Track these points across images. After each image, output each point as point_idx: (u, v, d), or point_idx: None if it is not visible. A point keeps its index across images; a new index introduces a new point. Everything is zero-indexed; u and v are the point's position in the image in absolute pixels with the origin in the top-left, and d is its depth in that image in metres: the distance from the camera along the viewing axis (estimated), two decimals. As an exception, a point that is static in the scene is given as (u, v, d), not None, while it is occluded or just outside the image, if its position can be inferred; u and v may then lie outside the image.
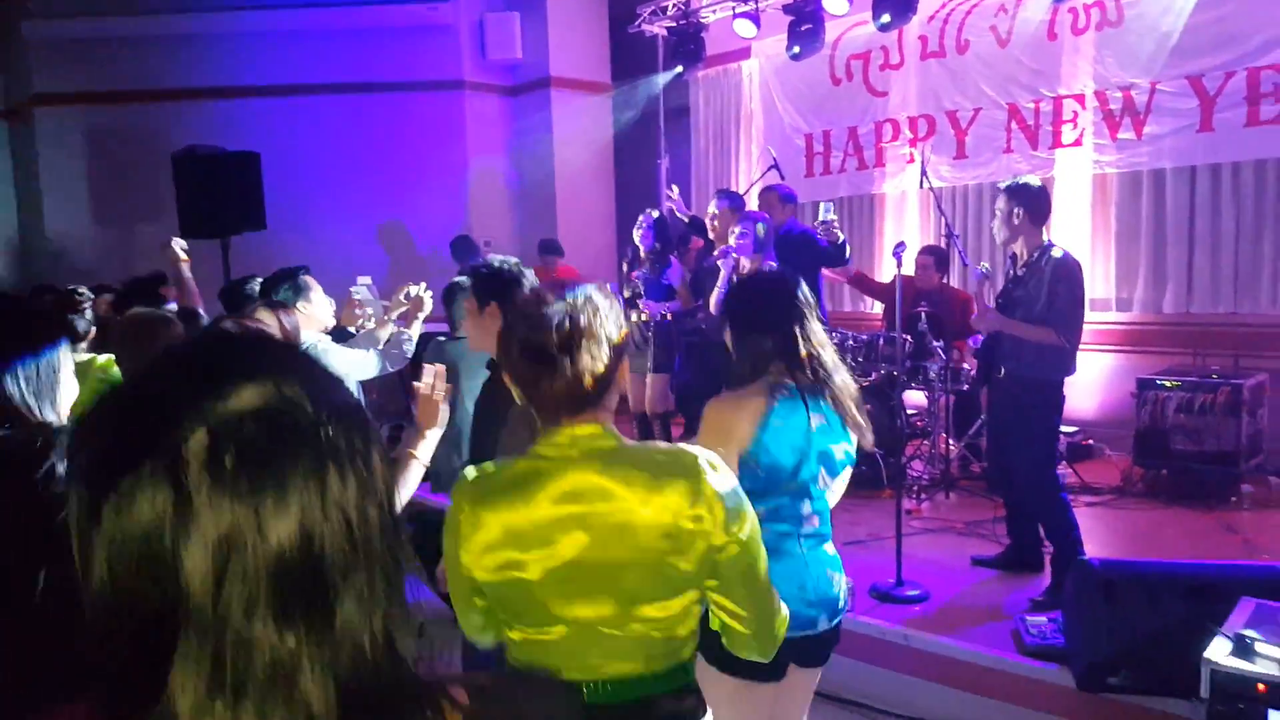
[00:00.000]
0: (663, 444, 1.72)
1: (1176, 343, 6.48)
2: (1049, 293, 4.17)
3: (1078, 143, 7.05)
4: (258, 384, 0.70)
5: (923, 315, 6.17)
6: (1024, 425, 4.33)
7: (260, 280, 4.32)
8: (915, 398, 6.74)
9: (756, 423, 2.30)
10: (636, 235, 6.37)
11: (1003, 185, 4.49)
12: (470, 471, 1.67)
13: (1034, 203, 4.34)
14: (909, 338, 5.96)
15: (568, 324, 1.60)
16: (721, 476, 1.65)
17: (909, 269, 6.34)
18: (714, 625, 1.74)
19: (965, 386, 6.35)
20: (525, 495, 1.59)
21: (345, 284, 4.82)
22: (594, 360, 1.61)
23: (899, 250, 4.78)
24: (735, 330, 2.50)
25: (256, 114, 8.84)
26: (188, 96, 8.87)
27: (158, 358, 0.74)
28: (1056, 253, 4.27)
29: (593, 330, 1.61)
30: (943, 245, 6.83)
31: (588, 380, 1.60)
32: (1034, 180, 4.54)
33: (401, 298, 4.00)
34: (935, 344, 6.09)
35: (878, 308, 8.03)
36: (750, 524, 1.67)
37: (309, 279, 4.02)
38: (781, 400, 2.34)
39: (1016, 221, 4.30)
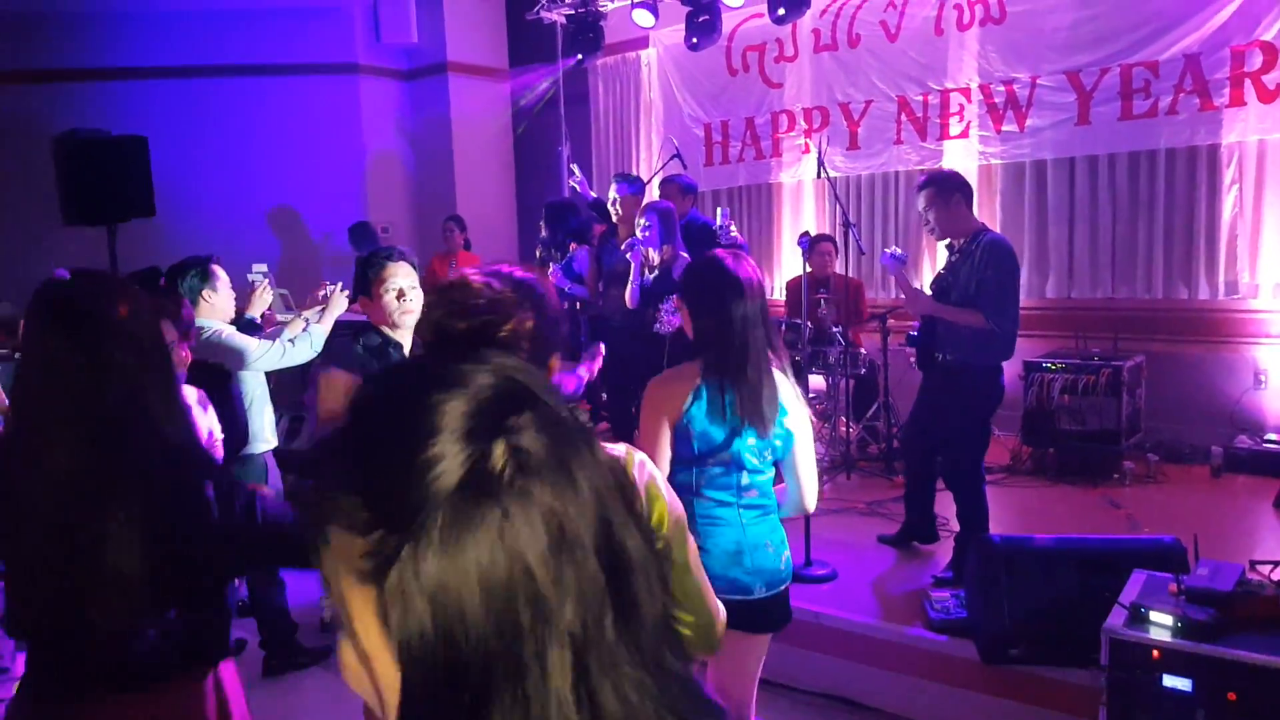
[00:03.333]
0: None
1: (1059, 327, 6.76)
2: (979, 279, 4.18)
3: (964, 134, 7.30)
4: (486, 369, 0.69)
5: (821, 302, 6.33)
6: (960, 410, 4.35)
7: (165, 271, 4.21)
8: (815, 382, 6.91)
9: (689, 394, 2.44)
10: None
11: (925, 179, 4.49)
12: None
13: (964, 186, 4.39)
14: (810, 324, 6.11)
15: (487, 315, 1.54)
16: (640, 468, 1.68)
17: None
18: None
19: (863, 370, 6.54)
20: None
21: (238, 271, 4.70)
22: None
23: (804, 240, 4.88)
24: (688, 310, 2.60)
25: (143, 96, 8.44)
26: (70, 78, 8.41)
27: (390, 387, 0.71)
28: (990, 237, 4.30)
29: (513, 327, 1.54)
30: (839, 234, 7.01)
31: None
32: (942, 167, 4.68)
33: (320, 295, 3.94)
34: (834, 329, 6.25)
35: (778, 294, 8.21)
36: (670, 517, 1.67)
37: (217, 268, 3.99)
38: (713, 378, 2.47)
39: (953, 209, 4.30)
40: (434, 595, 0.62)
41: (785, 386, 2.56)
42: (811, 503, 2.65)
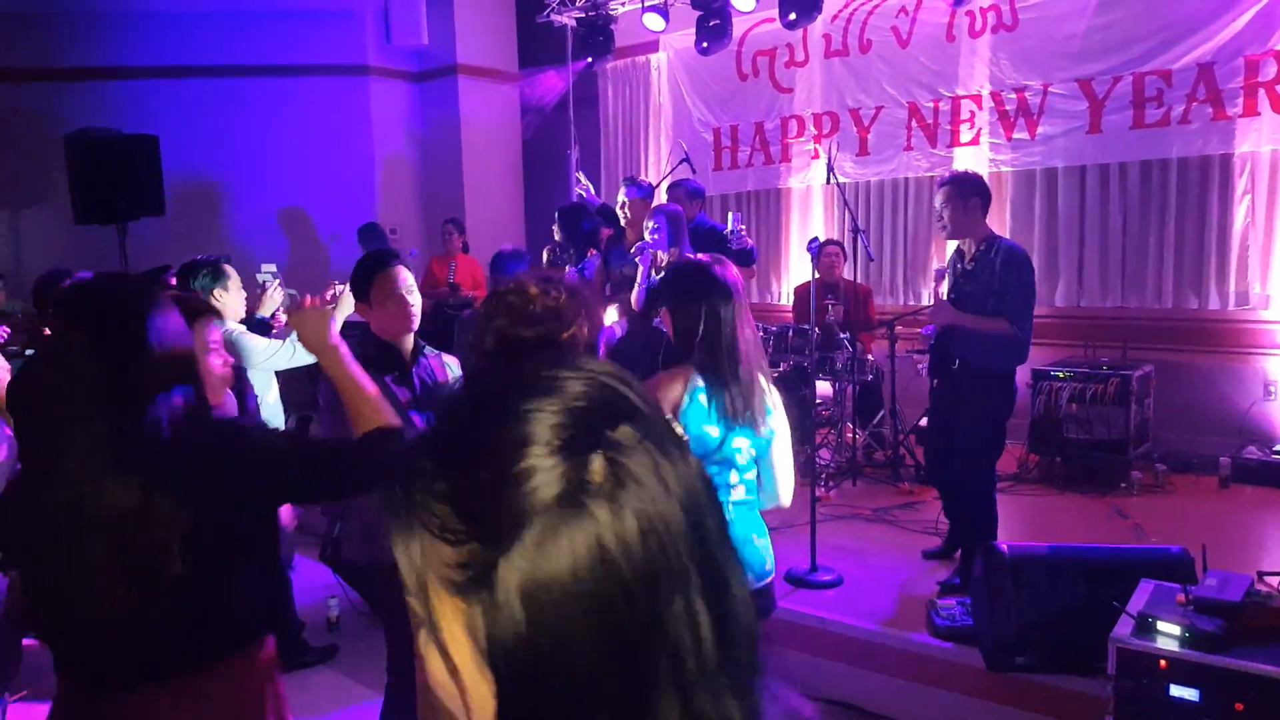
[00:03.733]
0: None
1: (1068, 335, 6.73)
2: (1001, 284, 4.19)
3: (974, 141, 7.29)
4: (579, 376, 0.67)
5: (829, 308, 6.32)
6: (975, 415, 4.34)
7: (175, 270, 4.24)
8: (822, 388, 6.89)
9: (684, 397, 2.49)
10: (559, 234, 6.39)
11: (948, 177, 4.49)
12: None
13: (985, 191, 4.39)
14: (818, 329, 6.09)
15: (550, 322, 1.58)
16: None
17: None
18: None
19: (870, 377, 6.53)
20: None
21: (247, 271, 4.72)
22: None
23: (813, 246, 4.87)
24: (669, 311, 2.64)
25: (153, 96, 8.47)
26: (80, 77, 8.46)
27: (486, 382, 0.70)
28: (1006, 244, 4.32)
29: (573, 333, 1.58)
30: (848, 240, 7.01)
31: None
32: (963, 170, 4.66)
33: (329, 295, 3.95)
34: (842, 335, 6.24)
35: (784, 300, 8.20)
36: None
37: (228, 267, 4.02)
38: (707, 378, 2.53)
39: (970, 212, 4.31)
40: (527, 604, 0.60)
41: (768, 386, 2.64)
42: (787, 498, 2.73)
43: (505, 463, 0.62)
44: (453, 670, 0.65)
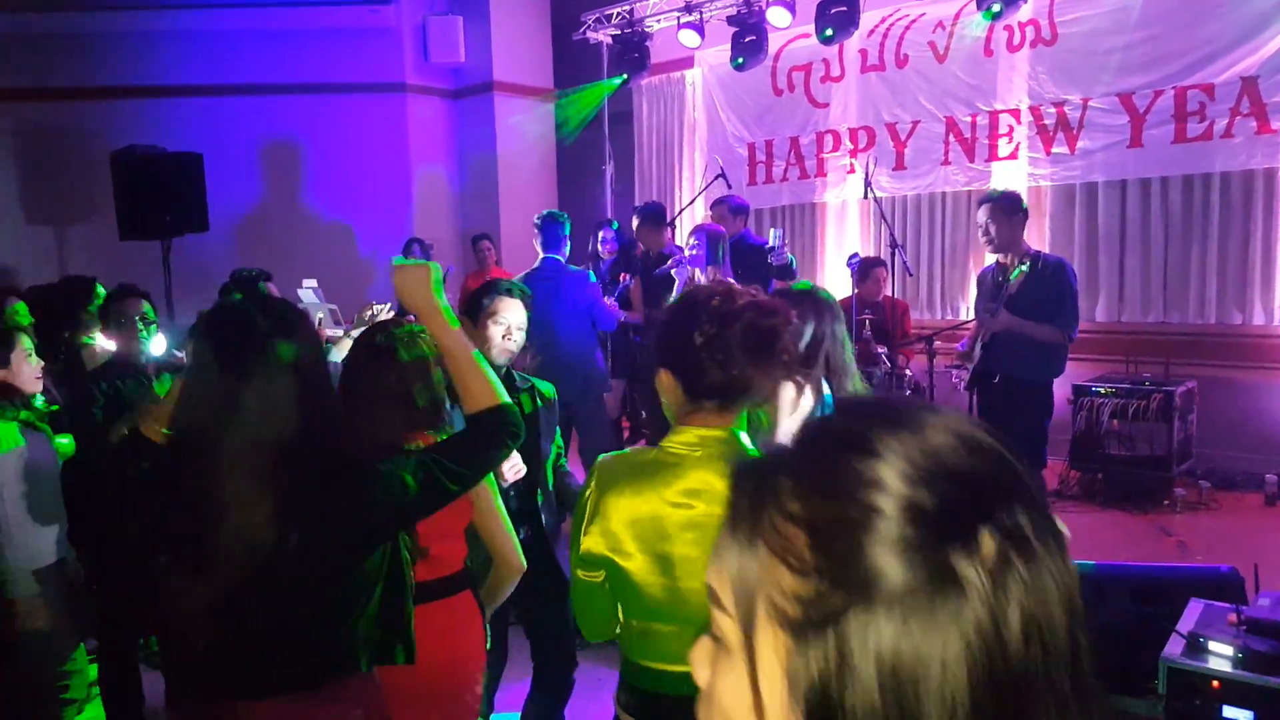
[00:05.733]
0: None
1: (1109, 350, 6.66)
2: (1056, 294, 4.39)
3: (1013, 156, 7.25)
4: (948, 427, 0.60)
5: (867, 323, 6.29)
6: (1024, 427, 4.43)
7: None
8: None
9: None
10: (603, 249, 6.43)
11: (990, 195, 4.62)
12: (606, 456, 1.72)
13: (1024, 209, 4.58)
14: (856, 345, 6.08)
15: (749, 336, 1.60)
16: None
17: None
18: None
19: (908, 392, 6.48)
20: (648, 488, 1.61)
21: (289, 287, 4.76)
22: (759, 373, 1.62)
23: (853, 261, 4.87)
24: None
25: (196, 114, 8.63)
26: (125, 95, 8.63)
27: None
28: (1054, 258, 4.53)
29: (772, 348, 1.62)
30: (885, 254, 6.98)
31: (729, 388, 1.61)
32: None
33: (366, 316, 3.99)
34: (879, 350, 6.21)
35: (820, 314, 8.17)
36: None
37: (271, 286, 4.04)
38: None
39: (1015, 229, 4.49)
40: (886, 678, 0.53)
41: None
42: None
43: (853, 498, 0.56)
44: (758, 708, 0.58)
